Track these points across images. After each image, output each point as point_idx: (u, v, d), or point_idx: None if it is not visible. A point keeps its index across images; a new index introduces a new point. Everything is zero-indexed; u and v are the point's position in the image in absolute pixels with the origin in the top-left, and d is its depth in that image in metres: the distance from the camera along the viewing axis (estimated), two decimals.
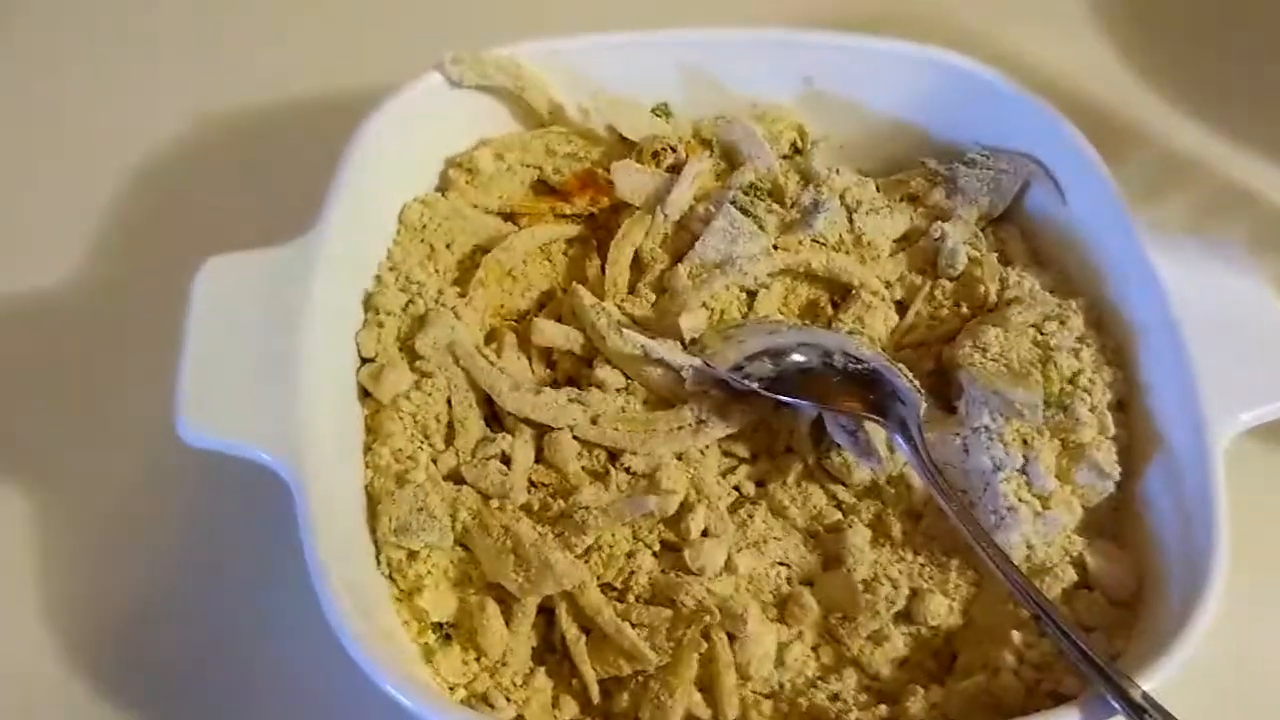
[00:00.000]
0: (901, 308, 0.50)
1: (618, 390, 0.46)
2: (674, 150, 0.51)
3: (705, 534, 0.43)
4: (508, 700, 0.40)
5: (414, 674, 0.39)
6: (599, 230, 0.51)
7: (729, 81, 0.53)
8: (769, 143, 0.52)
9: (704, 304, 0.48)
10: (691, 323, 0.47)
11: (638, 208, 0.50)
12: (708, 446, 0.45)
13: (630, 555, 0.42)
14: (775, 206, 0.50)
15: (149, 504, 0.49)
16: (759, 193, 0.51)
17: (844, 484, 0.45)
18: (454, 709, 0.38)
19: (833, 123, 0.54)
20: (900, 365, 0.46)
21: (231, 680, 0.45)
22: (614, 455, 0.45)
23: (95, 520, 0.48)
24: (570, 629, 0.41)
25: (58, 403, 0.52)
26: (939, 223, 0.50)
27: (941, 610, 0.41)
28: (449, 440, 0.45)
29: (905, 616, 0.42)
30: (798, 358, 0.45)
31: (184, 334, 0.41)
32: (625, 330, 0.46)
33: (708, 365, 0.45)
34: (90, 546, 0.48)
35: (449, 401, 0.45)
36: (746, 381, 0.44)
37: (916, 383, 0.46)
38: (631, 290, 0.49)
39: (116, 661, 0.45)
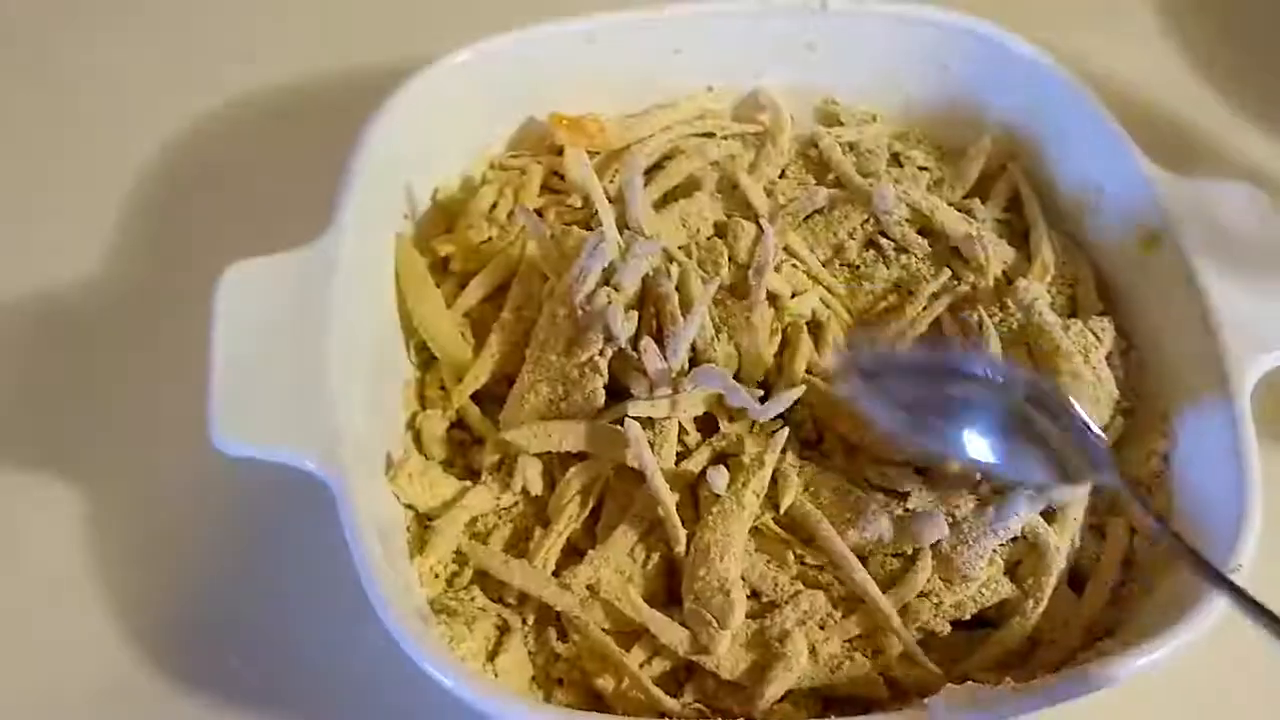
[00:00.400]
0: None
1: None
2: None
3: None
4: None
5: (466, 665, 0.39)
6: None
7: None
8: None
9: None
10: None
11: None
12: None
13: None
14: None
15: (193, 506, 0.49)
16: None
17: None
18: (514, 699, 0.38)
19: (831, 78, 0.54)
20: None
21: (281, 674, 0.45)
22: None
23: (142, 522, 0.49)
24: None
25: (90, 403, 0.52)
26: None
27: None
28: None
29: None
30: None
31: (211, 344, 0.41)
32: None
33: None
34: (137, 548, 0.48)
35: None
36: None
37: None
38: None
39: (173, 660, 0.45)
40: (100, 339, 0.54)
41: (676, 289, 0.44)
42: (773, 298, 0.46)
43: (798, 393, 0.44)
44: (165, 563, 0.48)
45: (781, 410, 0.43)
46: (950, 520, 0.41)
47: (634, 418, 0.42)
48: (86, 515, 0.49)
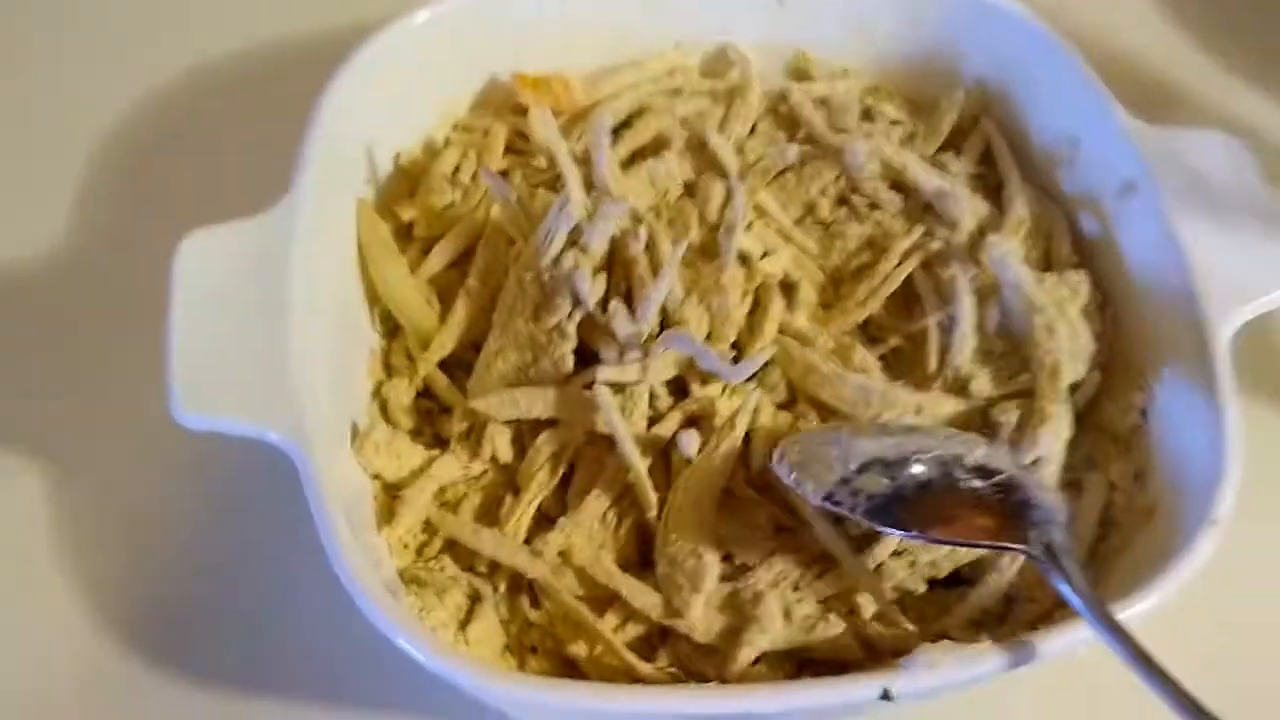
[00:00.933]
0: None
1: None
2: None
3: None
4: None
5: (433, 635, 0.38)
6: None
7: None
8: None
9: None
10: None
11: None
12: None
13: None
14: None
15: (157, 483, 0.48)
16: None
17: None
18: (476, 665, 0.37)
19: (801, 32, 0.53)
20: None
21: (255, 651, 0.45)
22: None
23: (106, 499, 0.48)
24: None
25: (51, 381, 0.51)
26: None
27: None
28: None
29: None
30: (917, 470, 0.38)
31: (169, 317, 0.40)
32: None
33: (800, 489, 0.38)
34: (103, 529, 0.47)
35: None
36: (854, 513, 0.37)
37: (1056, 494, 0.41)
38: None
39: (147, 641, 0.45)
40: (58, 314, 0.53)
41: (645, 250, 0.43)
42: (744, 258, 0.46)
43: (769, 354, 0.43)
44: (134, 543, 0.47)
45: (753, 372, 0.42)
46: None
47: (604, 383, 0.41)
48: (48, 495, 0.48)
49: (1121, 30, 0.61)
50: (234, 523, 0.48)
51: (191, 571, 0.47)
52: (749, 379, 0.43)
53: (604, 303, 0.42)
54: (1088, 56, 0.48)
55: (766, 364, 0.44)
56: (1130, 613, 0.36)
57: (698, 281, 0.44)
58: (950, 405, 0.43)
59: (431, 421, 0.46)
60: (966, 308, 0.45)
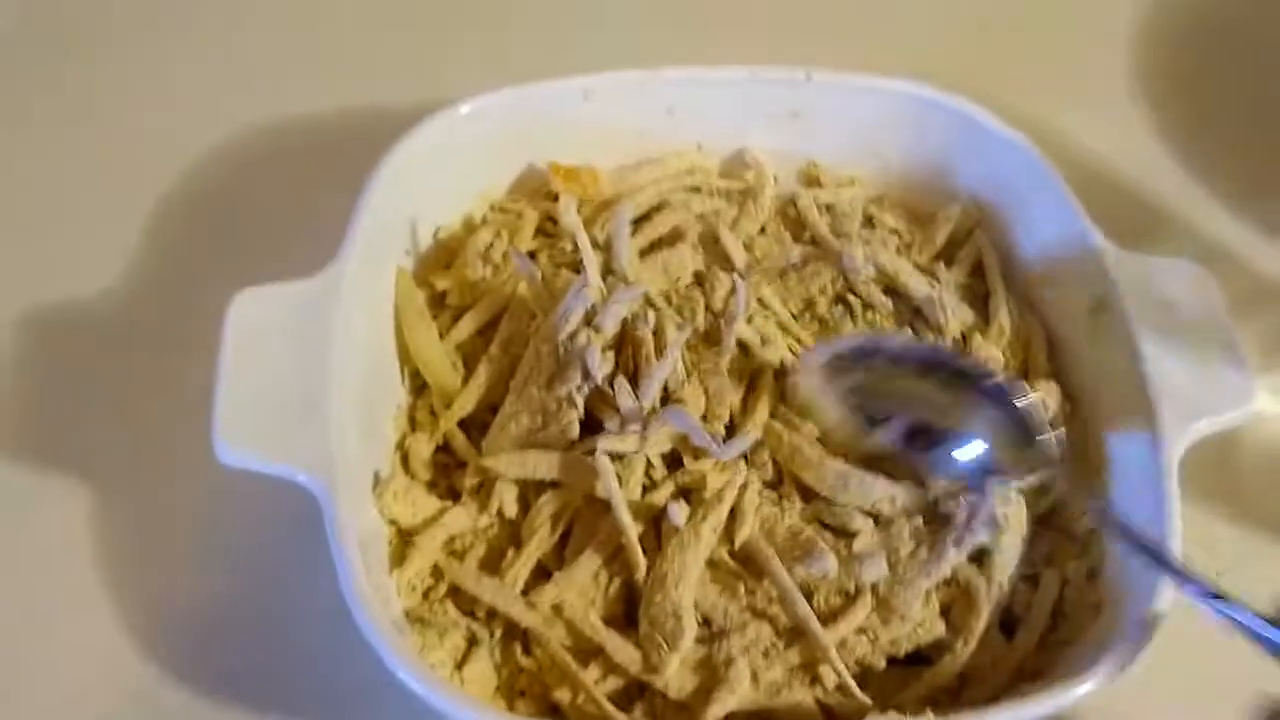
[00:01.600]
0: None
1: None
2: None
3: None
4: None
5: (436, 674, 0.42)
6: None
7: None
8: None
9: None
10: None
11: None
12: None
13: None
14: None
15: (199, 515, 0.52)
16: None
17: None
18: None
19: (813, 143, 0.58)
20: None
21: (270, 677, 0.48)
22: None
23: (149, 528, 0.52)
24: None
25: (104, 411, 0.56)
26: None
27: None
28: None
29: None
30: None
31: (218, 364, 0.44)
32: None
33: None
34: (140, 552, 0.51)
35: None
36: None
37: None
38: None
39: (174, 660, 0.49)
40: (116, 354, 0.57)
41: (653, 334, 0.48)
42: (743, 345, 0.50)
43: (757, 435, 0.47)
44: (168, 567, 0.51)
45: (742, 450, 0.46)
46: (890, 562, 0.44)
47: (604, 451, 0.45)
48: (91, 516, 0.52)
49: (1116, 157, 0.66)
50: (258, 558, 0.51)
51: (218, 595, 0.50)
52: (740, 457, 0.47)
53: (612, 378, 0.47)
54: (1080, 180, 0.53)
55: (757, 444, 0.47)
56: (1066, 698, 0.39)
57: (699, 364, 0.48)
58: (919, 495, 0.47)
59: (448, 475, 0.50)
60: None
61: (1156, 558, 0.41)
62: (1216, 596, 0.39)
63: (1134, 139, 0.68)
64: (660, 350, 0.47)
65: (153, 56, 0.71)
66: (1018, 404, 0.46)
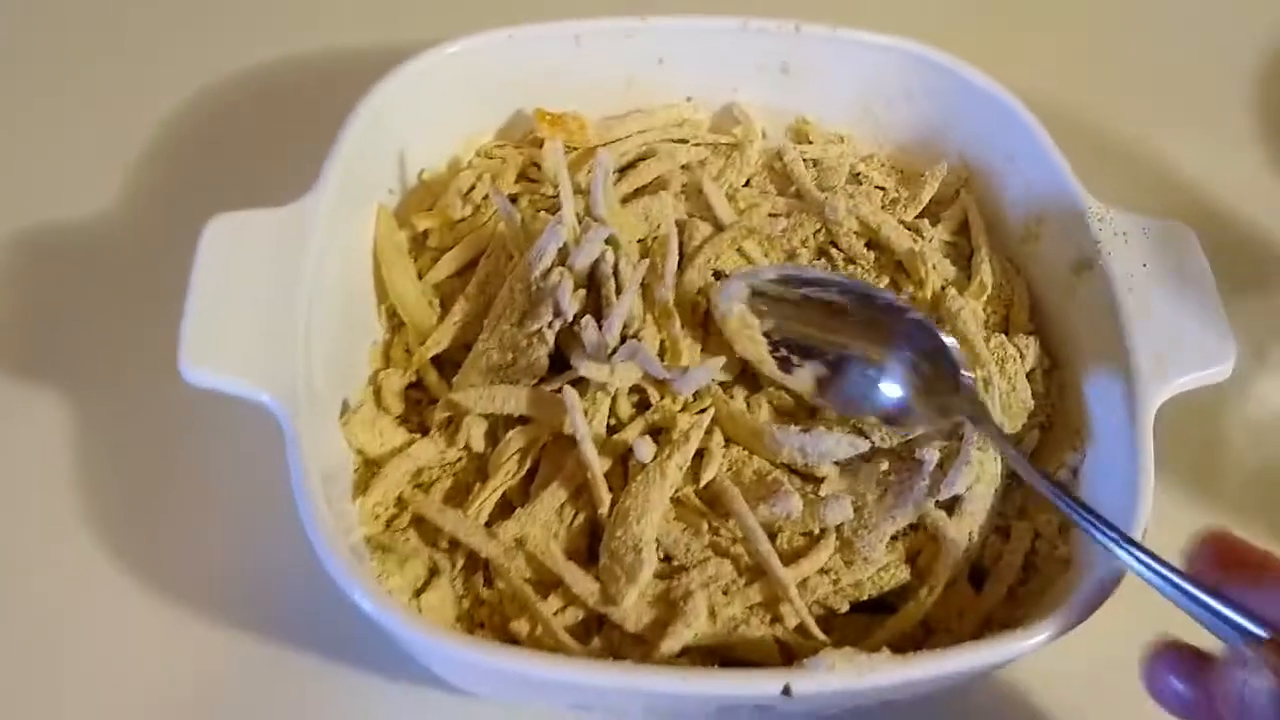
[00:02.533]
0: None
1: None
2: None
3: None
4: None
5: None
6: None
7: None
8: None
9: None
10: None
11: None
12: None
13: None
14: None
15: (167, 428, 0.54)
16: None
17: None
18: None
19: (803, 99, 0.57)
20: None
21: (225, 595, 0.49)
22: None
23: (116, 434, 0.53)
24: None
25: (88, 325, 0.57)
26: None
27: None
28: None
29: None
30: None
31: (189, 284, 0.45)
32: None
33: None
34: (108, 457, 0.53)
35: None
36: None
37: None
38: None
39: (132, 569, 0.49)
40: (99, 272, 0.59)
41: (614, 273, 0.48)
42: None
43: (718, 362, 0.47)
44: (132, 474, 0.52)
45: (700, 383, 0.46)
46: (856, 506, 0.44)
47: (572, 382, 0.45)
48: (66, 422, 0.54)
49: (1115, 119, 0.65)
50: (224, 474, 0.52)
51: (187, 509, 0.51)
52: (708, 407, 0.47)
53: (580, 316, 0.46)
54: (1071, 141, 0.52)
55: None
56: (1031, 642, 0.39)
57: (652, 305, 0.48)
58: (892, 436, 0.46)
59: (420, 411, 0.50)
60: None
61: (1067, 505, 0.40)
62: (1129, 543, 0.38)
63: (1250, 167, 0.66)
64: (620, 291, 0.47)
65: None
66: (941, 339, 0.46)
